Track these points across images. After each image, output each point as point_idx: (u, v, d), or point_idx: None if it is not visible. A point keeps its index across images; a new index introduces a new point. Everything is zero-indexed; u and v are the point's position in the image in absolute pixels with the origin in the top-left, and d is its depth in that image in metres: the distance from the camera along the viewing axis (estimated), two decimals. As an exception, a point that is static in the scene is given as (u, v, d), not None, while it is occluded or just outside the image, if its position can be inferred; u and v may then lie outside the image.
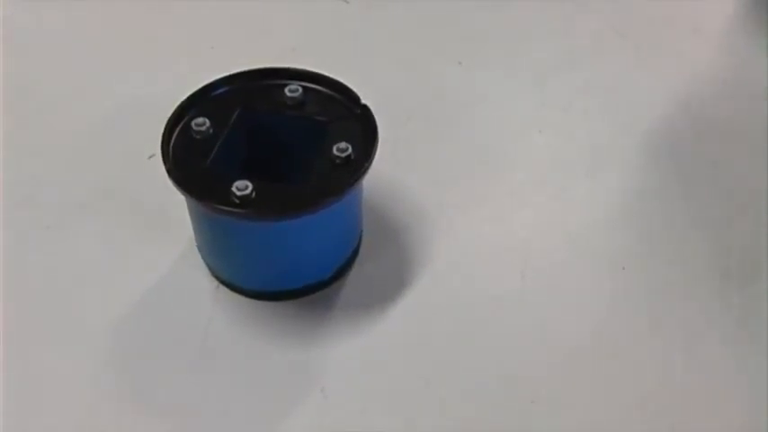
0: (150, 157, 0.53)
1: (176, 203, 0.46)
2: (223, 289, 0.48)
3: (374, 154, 0.44)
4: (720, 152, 0.57)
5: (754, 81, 0.62)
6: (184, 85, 0.47)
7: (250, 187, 0.41)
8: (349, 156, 0.44)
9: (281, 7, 0.70)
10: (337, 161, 0.44)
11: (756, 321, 0.47)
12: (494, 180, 0.56)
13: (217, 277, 0.48)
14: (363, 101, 0.47)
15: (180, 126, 0.46)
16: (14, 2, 0.68)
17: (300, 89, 0.47)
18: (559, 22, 0.71)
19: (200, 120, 0.45)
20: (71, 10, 0.69)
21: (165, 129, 0.45)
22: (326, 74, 0.48)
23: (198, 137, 0.45)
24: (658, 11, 0.71)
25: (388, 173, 0.47)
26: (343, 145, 0.44)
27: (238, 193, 0.41)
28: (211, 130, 0.45)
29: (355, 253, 0.50)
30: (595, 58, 0.66)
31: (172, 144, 0.45)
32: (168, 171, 0.43)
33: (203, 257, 0.49)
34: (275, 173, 0.45)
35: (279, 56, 0.51)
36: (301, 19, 0.70)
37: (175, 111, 0.46)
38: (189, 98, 0.47)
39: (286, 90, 0.47)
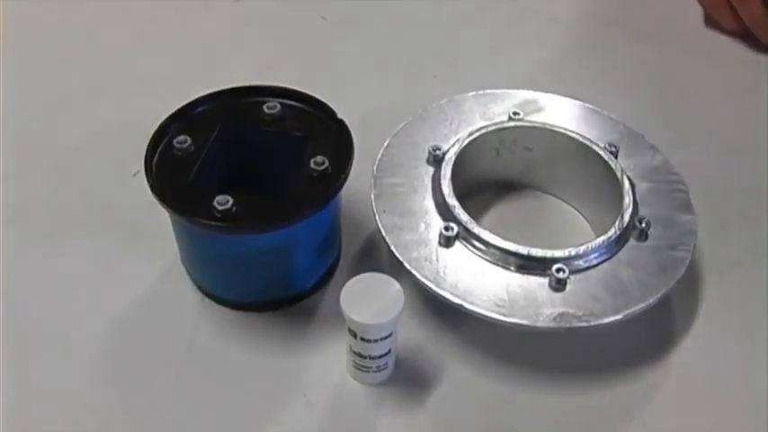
0: (135, 174, 0.54)
1: (161, 219, 0.47)
2: (208, 301, 0.49)
3: (350, 167, 0.46)
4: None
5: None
6: (167, 104, 0.49)
7: (231, 202, 0.43)
8: (326, 169, 0.45)
9: (259, 26, 0.72)
10: (314, 175, 0.45)
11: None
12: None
13: (201, 290, 0.50)
14: (340, 116, 0.49)
15: (162, 144, 0.47)
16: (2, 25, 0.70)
17: (279, 105, 0.49)
18: (530, 35, 0.73)
19: (181, 138, 0.46)
20: (58, 31, 0.70)
21: (148, 146, 0.46)
22: (304, 90, 0.50)
23: (180, 154, 0.46)
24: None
25: (366, 185, 0.48)
26: (319, 159, 0.45)
27: (219, 208, 0.43)
28: (192, 148, 0.47)
29: (335, 263, 0.51)
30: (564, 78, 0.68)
31: (155, 161, 0.46)
32: (151, 187, 0.44)
33: (188, 271, 0.50)
34: (255, 187, 0.46)
35: (257, 74, 0.53)
36: (279, 36, 0.71)
37: (158, 129, 0.47)
38: (171, 116, 0.48)
39: (264, 107, 0.49)
